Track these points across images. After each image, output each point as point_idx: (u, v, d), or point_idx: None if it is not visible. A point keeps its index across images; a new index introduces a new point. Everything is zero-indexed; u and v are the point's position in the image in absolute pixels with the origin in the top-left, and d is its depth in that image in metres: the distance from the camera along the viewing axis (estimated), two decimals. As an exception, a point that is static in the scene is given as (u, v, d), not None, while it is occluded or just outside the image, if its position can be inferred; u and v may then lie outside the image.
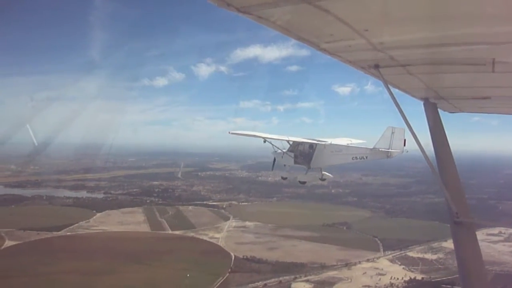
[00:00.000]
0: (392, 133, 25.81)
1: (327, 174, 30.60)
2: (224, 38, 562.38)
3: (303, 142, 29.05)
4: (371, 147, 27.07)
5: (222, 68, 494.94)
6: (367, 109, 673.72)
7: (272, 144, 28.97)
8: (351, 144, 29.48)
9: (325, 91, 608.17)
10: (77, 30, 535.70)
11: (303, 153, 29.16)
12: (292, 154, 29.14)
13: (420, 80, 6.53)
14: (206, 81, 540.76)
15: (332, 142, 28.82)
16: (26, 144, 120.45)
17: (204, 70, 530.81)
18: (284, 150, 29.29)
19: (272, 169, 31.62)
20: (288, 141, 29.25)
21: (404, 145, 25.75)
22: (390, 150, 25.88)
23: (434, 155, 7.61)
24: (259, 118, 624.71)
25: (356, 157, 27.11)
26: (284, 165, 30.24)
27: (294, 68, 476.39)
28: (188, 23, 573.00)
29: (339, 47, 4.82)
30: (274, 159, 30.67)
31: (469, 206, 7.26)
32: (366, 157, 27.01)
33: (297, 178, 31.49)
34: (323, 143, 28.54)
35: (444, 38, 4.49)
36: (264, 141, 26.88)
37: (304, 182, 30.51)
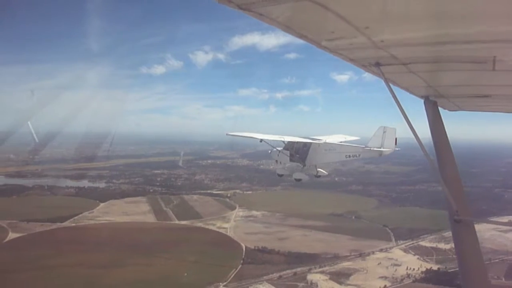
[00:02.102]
0: (384, 132, 26.57)
1: (322, 171, 31.61)
2: (222, 25, 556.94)
3: (298, 141, 29.82)
4: (363, 146, 27.85)
5: (220, 56, 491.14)
6: (364, 97, 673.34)
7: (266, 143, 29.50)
8: (345, 141, 30.71)
9: (323, 79, 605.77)
10: (74, 18, 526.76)
11: (298, 152, 30.01)
12: (288, 153, 30.09)
13: (420, 78, 6.48)
14: (204, 69, 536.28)
15: (327, 140, 29.73)
16: (25, 134, 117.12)
17: (202, 58, 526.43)
18: (280, 149, 30.28)
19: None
20: (283, 141, 29.98)
21: (395, 143, 26.52)
22: (381, 149, 26.57)
23: (434, 153, 7.58)
24: (256, 106, 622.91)
25: (349, 155, 28.09)
26: (280, 162, 31.19)
27: (292, 56, 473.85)
28: (186, 11, 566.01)
29: (340, 44, 4.71)
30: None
31: (468, 204, 7.21)
32: (359, 155, 28.08)
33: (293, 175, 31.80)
34: (317, 141, 29.33)
35: (445, 36, 4.37)
36: (261, 141, 27.62)
37: (299, 180, 30.61)
